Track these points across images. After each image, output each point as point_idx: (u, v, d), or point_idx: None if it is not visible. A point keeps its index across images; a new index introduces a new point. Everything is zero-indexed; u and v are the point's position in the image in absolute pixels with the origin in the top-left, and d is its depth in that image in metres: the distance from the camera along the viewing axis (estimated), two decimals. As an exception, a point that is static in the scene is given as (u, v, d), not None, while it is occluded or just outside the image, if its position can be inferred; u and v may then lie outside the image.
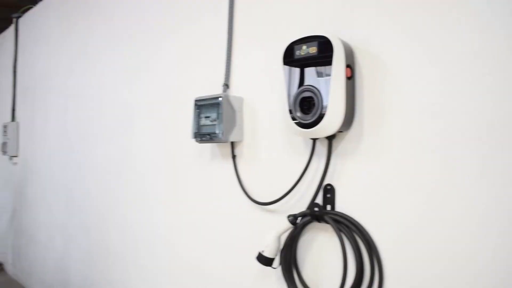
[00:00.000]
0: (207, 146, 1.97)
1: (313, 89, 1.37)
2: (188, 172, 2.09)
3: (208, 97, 1.77)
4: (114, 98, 2.73)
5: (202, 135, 1.77)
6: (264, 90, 1.71)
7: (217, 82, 1.90)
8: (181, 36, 2.16)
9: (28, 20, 4.25)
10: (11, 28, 4.61)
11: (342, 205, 1.43)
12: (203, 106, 1.78)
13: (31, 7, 4.20)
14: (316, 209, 1.45)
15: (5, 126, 4.38)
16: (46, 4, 3.87)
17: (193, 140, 1.87)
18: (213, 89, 1.92)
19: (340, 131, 1.39)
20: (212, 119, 1.73)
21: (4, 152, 4.38)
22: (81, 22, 3.18)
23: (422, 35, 1.22)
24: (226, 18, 1.87)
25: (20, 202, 4.29)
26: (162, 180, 2.27)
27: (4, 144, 4.36)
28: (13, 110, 4.41)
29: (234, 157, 1.82)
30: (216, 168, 1.93)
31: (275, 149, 1.66)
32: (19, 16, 4.43)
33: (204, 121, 1.77)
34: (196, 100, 1.83)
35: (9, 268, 4.61)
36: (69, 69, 3.33)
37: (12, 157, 4.42)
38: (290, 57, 1.45)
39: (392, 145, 1.29)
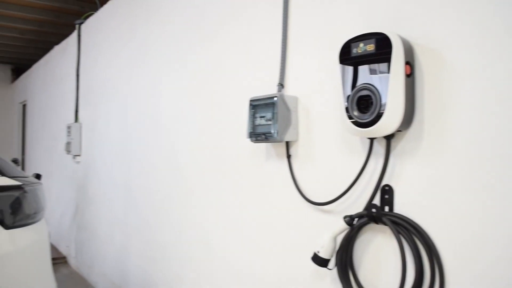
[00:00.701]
0: (262, 145, 1.98)
1: (370, 88, 1.35)
2: (243, 171, 2.11)
3: (263, 97, 1.78)
4: (170, 99, 2.80)
5: (257, 135, 1.79)
6: (319, 89, 1.70)
7: (272, 81, 1.91)
8: (236, 36, 2.19)
9: (90, 26, 4.46)
10: (74, 34, 4.85)
11: (401, 207, 1.39)
12: (258, 106, 1.79)
13: (93, 14, 4.40)
14: (373, 210, 1.42)
15: (69, 127, 4.62)
16: (107, 10, 4.04)
17: (248, 140, 1.88)
18: (268, 88, 1.93)
19: (399, 130, 1.35)
20: (267, 119, 1.74)
21: (68, 152, 4.62)
22: (140, 26, 3.29)
23: (489, 29, 1.16)
24: (281, 17, 1.87)
25: (82, 198, 4.51)
26: (217, 179, 2.31)
27: (68, 144, 4.60)
28: (76, 111, 4.64)
29: (289, 156, 1.82)
30: (271, 168, 1.93)
31: (330, 148, 1.64)
32: (82, 22, 4.65)
33: (259, 121, 1.78)
34: (251, 100, 1.84)
35: (72, 261, 4.85)
36: (129, 72, 3.46)
37: (75, 156, 4.65)
38: (346, 55, 1.43)
39: (454, 145, 1.24)
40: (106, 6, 4.07)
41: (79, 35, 4.68)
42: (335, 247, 1.53)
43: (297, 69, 1.81)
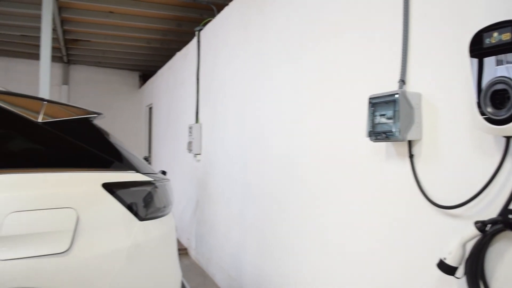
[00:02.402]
0: (382, 145, 1.91)
1: (507, 81, 1.22)
2: (362, 171, 2.05)
3: (383, 94, 1.71)
4: (287, 99, 2.84)
5: (377, 134, 1.73)
6: (445, 84, 1.58)
7: (392, 78, 1.83)
8: (352, 32, 2.14)
9: (209, 32, 4.71)
10: (194, 40, 5.17)
11: (544, 213, 1.24)
12: (378, 103, 1.73)
13: (211, 20, 4.65)
14: (510, 216, 1.28)
15: (190, 127, 4.94)
16: (224, 16, 4.23)
17: (367, 139, 1.83)
18: (388, 85, 1.85)
19: (542, 128, 1.21)
20: (388, 117, 1.67)
21: (190, 151, 4.94)
22: (255, 29, 3.39)
23: None
24: (401, 8, 1.79)
25: (202, 195, 4.78)
26: (334, 178, 2.28)
27: (190, 143, 4.92)
28: (197, 113, 4.94)
29: (411, 156, 1.72)
30: (391, 168, 1.86)
31: (458, 148, 1.52)
32: (201, 29, 4.94)
33: (379, 119, 1.72)
34: (370, 98, 1.79)
35: (192, 252, 5.18)
36: (245, 74, 3.59)
37: (196, 155, 4.96)
38: (477, 45, 1.32)
39: None
40: (222, 12, 4.27)
41: (198, 41, 4.97)
42: (464, 255, 1.42)
43: (419, 64, 1.71)
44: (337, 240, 2.24)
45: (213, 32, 4.52)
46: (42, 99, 1.92)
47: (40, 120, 1.83)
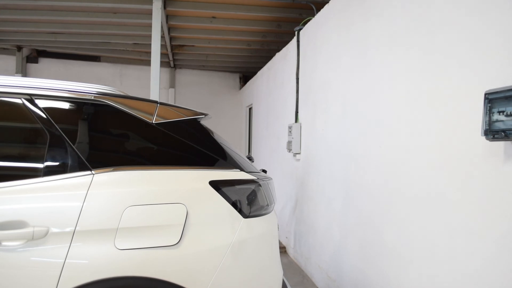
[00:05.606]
0: (500, 144, 1.74)
1: None
2: (475, 173, 1.90)
3: (503, 89, 1.57)
4: (391, 98, 2.73)
5: (495, 132, 1.58)
6: None
7: (510, 72, 1.66)
8: (464, 21, 1.99)
9: (308, 31, 4.70)
10: (294, 40, 5.19)
11: None
12: (496, 99, 1.59)
13: (310, 19, 4.63)
14: None
15: (289, 127, 4.98)
16: (325, 14, 4.19)
17: (483, 138, 1.68)
18: (506, 79, 1.68)
19: None
20: (508, 114, 1.52)
21: (289, 150, 4.98)
22: (358, 27, 3.30)
23: None
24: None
25: (301, 194, 4.79)
26: (443, 181, 2.14)
27: (289, 142, 4.96)
28: (296, 112, 4.96)
29: (537, 158, 1.56)
30: (511, 170, 1.69)
31: None
32: (300, 29, 4.95)
33: (497, 116, 1.57)
34: (487, 94, 1.64)
35: (290, 251, 5.21)
36: (347, 73, 3.51)
37: (295, 154, 4.98)
38: None
39: None
40: (322, 11, 4.23)
41: (298, 41, 4.98)
42: None
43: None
44: (446, 246, 2.09)
45: (313, 31, 4.51)
46: (156, 102, 2.06)
47: (153, 121, 1.97)
